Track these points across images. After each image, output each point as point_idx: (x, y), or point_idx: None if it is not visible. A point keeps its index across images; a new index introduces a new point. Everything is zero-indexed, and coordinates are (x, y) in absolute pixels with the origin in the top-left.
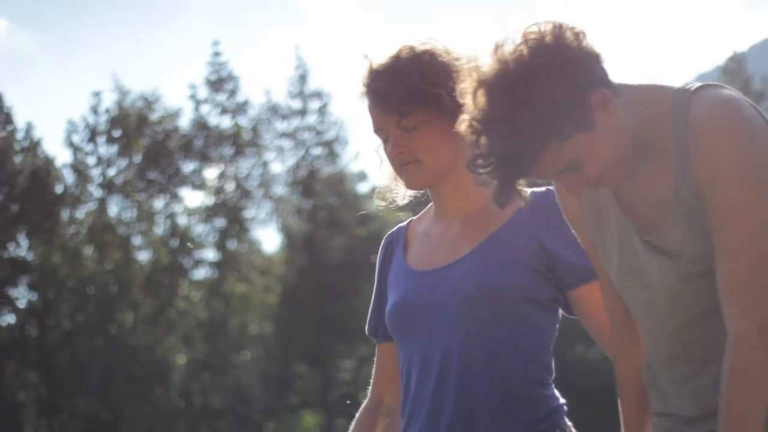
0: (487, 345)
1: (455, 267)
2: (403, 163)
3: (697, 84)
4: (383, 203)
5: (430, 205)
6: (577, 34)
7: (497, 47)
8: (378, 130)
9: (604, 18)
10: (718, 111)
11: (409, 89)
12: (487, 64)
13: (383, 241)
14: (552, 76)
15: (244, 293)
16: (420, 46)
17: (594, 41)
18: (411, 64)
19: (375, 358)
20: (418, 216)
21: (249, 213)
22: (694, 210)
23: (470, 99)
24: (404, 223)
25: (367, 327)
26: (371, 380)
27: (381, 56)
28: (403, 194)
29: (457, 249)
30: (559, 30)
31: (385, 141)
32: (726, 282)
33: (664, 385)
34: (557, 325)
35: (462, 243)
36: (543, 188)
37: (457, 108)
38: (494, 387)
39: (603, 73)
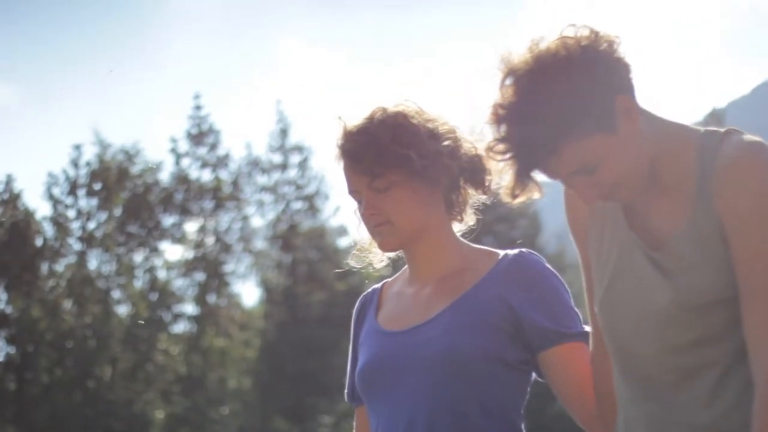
0: (454, 406)
1: (424, 328)
2: (375, 224)
3: (724, 128)
4: (359, 266)
5: (405, 267)
6: (611, 42)
7: (533, 42)
8: (352, 192)
9: None
10: (755, 153)
11: (379, 150)
12: (520, 55)
13: (357, 302)
14: (581, 72)
15: (224, 348)
16: (392, 108)
17: (626, 53)
18: (383, 125)
19: (354, 423)
20: (393, 278)
21: (229, 267)
22: (708, 244)
23: (498, 87)
24: (378, 285)
25: (345, 391)
26: None
27: (354, 118)
28: (380, 257)
29: (427, 310)
30: (595, 35)
31: (360, 202)
32: (753, 321)
33: (627, 416)
34: (528, 387)
35: (433, 304)
36: (516, 250)
37: (428, 169)
38: None
39: (630, 84)
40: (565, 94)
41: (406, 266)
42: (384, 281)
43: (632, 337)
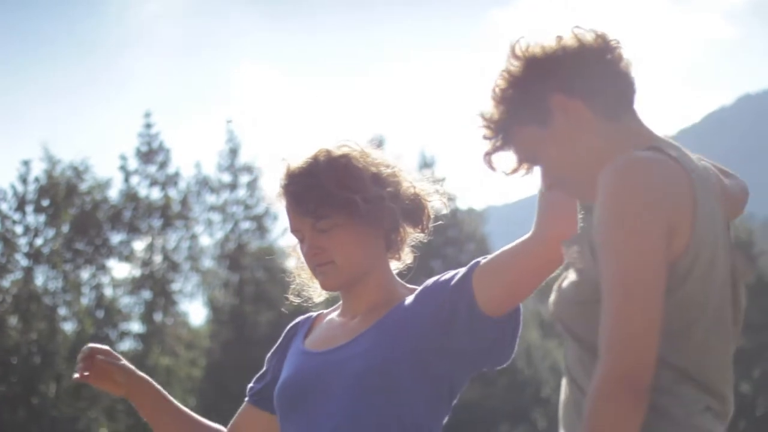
0: (376, 421)
1: (346, 347)
2: (318, 264)
3: (655, 144)
4: (298, 300)
5: (341, 302)
6: (600, 48)
7: (536, 39)
8: (294, 231)
9: None
10: (614, 167)
11: (325, 194)
12: (520, 47)
13: (293, 322)
14: (532, 73)
15: (169, 366)
16: (337, 150)
17: (624, 63)
18: (328, 168)
19: (238, 412)
20: (328, 310)
21: (176, 285)
22: (582, 247)
23: None
24: (314, 314)
25: (250, 385)
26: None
27: (298, 159)
28: (319, 292)
29: (352, 334)
30: (581, 38)
31: (301, 241)
32: (602, 323)
33: None
34: (449, 406)
35: (358, 328)
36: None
37: (371, 213)
38: None
39: (591, 86)
40: (519, 89)
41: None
42: (319, 312)
43: None
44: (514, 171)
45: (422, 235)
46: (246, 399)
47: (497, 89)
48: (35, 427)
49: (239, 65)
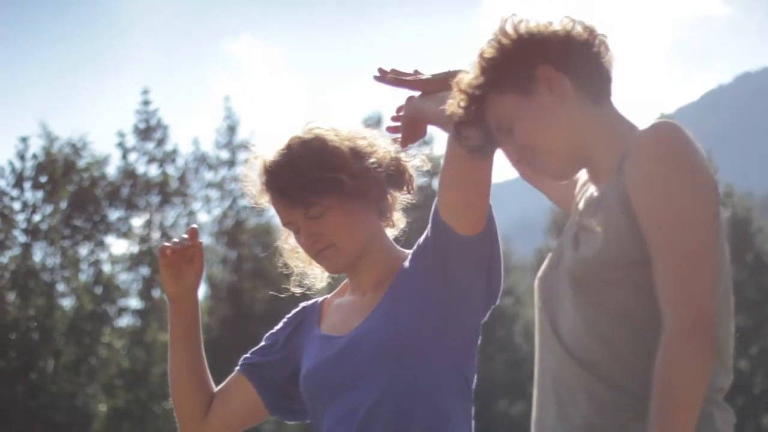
0: (409, 389)
1: (365, 324)
2: (319, 250)
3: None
4: (301, 290)
5: (344, 282)
6: (588, 37)
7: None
8: (287, 224)
9: None
10: (659, 129)
11: (309, 181)
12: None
13: (299, 307)
14: (521, 44)
15: (167, 342)
16: (307, 134)
17: (607, 58)
18: (305, 154)
19: (228, 379)
20: (332, 294)
21: None
22: (608, 214)
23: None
24: (319, 299)
25: (245, 355)
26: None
27: (271, 152)
28: (321, 277)
29: (367, 310)
30: (571, 25)
31: (297, 232)
32: (660, 280)
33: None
34: (473, 343)
35: (371, 304)
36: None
37: (359, 188)
38: (416, 427)
39: (577, 67)
40: (499, 58)
41: (345, 281)
42: (324, 297)
43: (549, 304)
44: (478, 148)
45: (409, 195)
46: (237, 368)
47: (484, 56)
48: (33, 403)
49: (239, 42)
